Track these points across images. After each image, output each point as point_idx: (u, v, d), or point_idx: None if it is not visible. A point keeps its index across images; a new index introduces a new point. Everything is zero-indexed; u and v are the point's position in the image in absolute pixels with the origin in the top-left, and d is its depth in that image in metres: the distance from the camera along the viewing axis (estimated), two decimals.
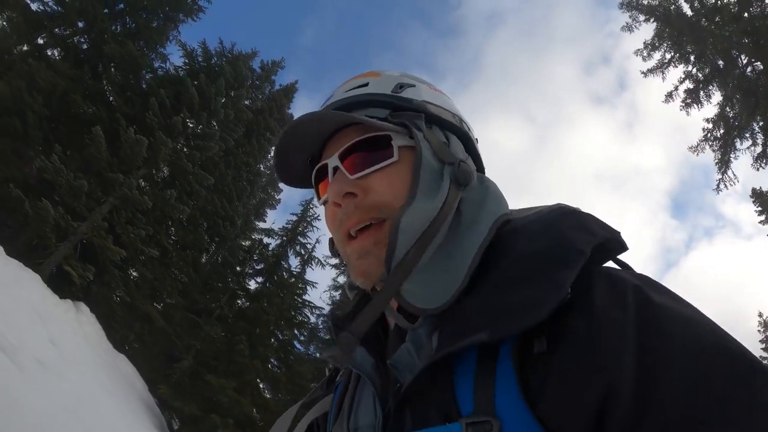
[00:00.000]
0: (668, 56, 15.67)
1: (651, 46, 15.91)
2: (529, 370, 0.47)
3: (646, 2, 15.56)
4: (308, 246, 18.96)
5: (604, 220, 0.58)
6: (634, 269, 0.57)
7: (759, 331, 24.16)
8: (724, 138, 14.99)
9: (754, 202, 16.85)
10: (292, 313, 16.36)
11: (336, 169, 0.66)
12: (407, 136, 0.66)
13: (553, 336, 0.47)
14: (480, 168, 0.77)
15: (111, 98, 13.20)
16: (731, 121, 14.70)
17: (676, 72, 16.10)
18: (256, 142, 17.05)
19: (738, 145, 14.79)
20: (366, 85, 0.71)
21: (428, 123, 0.68)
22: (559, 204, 0.64)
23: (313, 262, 18.87)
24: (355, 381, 0.68)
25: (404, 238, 0.58)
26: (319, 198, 0.71)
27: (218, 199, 15.00)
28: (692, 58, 14.95)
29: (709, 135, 15.38)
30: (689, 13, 14.66)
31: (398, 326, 0.62)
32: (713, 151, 15.31)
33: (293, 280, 17.37)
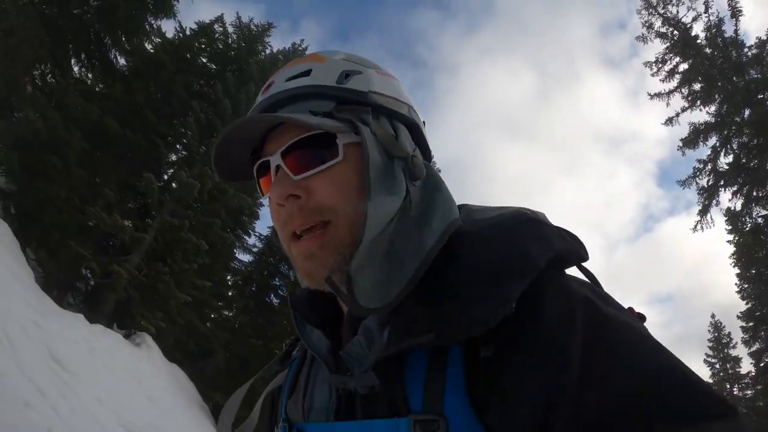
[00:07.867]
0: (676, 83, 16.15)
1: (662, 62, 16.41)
2: (477, 375, 0.50)
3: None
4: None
5: (568, 230, 0.60)
6: (595, 275, 0.61)
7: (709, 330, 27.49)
8: (710, 188, 15.46)
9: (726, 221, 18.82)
10: None
11: (278, 167, 0.62)
12: (353, 133, 0.63)
13: (499, 342, 0.50)
14: (427, 156, 0.73)
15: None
16: (720, 177, 15.41)
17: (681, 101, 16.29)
18: None
19: (721, 194, 15.53)
20: (308, 72, 0.66)
21: (376, 115, 0.65)
22: (521, 210, 0.61)
23: None
24: (310, 359, 0.71)
25: (367, 244, 0.58)
26: (262, 193, 0.69)
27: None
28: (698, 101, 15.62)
29: (698, 174, 15.70)
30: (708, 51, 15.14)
31: (350, 313, 0.64)
32: (698, 194, 15.82)
33: None
